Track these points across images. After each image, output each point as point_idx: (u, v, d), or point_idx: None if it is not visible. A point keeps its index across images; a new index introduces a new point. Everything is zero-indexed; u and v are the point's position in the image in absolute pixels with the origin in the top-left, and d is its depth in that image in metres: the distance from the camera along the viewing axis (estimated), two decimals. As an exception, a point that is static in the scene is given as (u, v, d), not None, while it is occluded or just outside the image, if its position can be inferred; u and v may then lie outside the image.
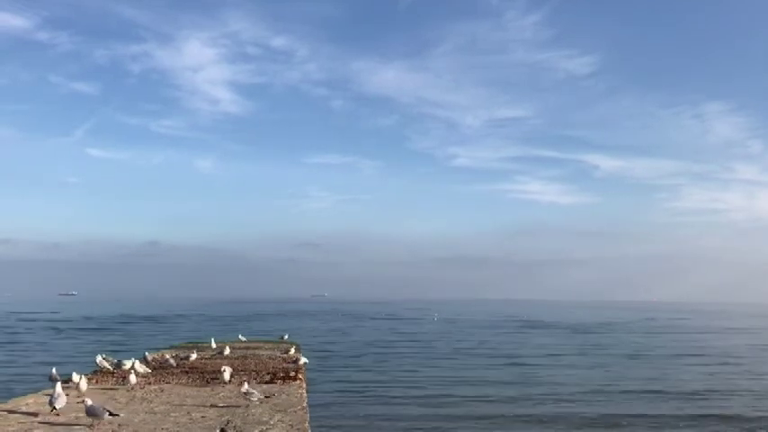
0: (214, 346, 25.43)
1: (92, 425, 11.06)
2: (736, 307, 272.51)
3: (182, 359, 20.78)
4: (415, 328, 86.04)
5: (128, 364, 19.26)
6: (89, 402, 11.35)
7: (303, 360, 20.47)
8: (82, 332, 71.96)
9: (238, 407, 13.02)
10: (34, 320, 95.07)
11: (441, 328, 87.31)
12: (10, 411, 12.39)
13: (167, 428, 11.02)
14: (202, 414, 12.32)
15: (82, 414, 11.41)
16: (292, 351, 24.67)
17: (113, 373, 17.98)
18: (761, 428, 23.27)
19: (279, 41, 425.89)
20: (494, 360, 45.95)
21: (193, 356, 21.10)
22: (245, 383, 13.86)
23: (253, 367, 19.85)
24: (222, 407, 13.08)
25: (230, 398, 14.17)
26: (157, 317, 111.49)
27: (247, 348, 26.82)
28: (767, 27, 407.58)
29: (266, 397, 13.64)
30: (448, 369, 39.52)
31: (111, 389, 15.42)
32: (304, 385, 16.81)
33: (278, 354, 24.08)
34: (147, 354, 21.42)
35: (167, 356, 20.78)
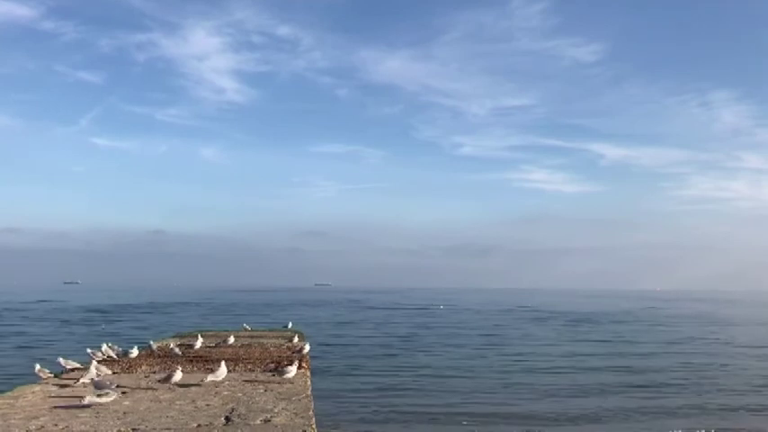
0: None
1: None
2: (743, 296, 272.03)
3: (186, 348, 20.88)
4: (421, 319, 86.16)
5: (134, 352, 19.42)
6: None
7: (307, 348, 20.54)
8: (86, 321, 72.29)
9: (243, 395, 13.09)
10: (39, 309, 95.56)
11: (449, 318, 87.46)
12: (17, 397, 12.49)
13: (172, 416, 11.08)
14: (207, 402, 12.39)
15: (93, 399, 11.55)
16: (296, 339, 24.74)
17: (118, 361, 18.14)
18: None
19: (284, 30, 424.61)
20: (495, 352, 46.09)
21: (197, 345, 21.20)
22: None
23: (257, 355, 19.94)
24: (227, 395, 13.15)
25: (235, 386, 14.25)
26: (162, 305, 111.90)
27: (251, 337, 26.93)
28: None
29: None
30: (460, 360, 39.51)
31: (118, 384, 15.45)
32: (308, 374, 16.88)
33: (282, 342, 24.17)
34: (152, 342, 21.54)
35: (172, 345, 20.88)
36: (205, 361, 18.64)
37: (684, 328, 71.12)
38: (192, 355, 19.77)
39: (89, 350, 18.45)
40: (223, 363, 15.18)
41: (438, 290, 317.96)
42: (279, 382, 14.90)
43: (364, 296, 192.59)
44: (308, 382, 15.39)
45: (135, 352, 19.43)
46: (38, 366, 15.79)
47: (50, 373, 16.15)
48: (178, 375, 14.25)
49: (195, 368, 17.24)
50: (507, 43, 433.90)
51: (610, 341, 53.25)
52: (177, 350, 20.13)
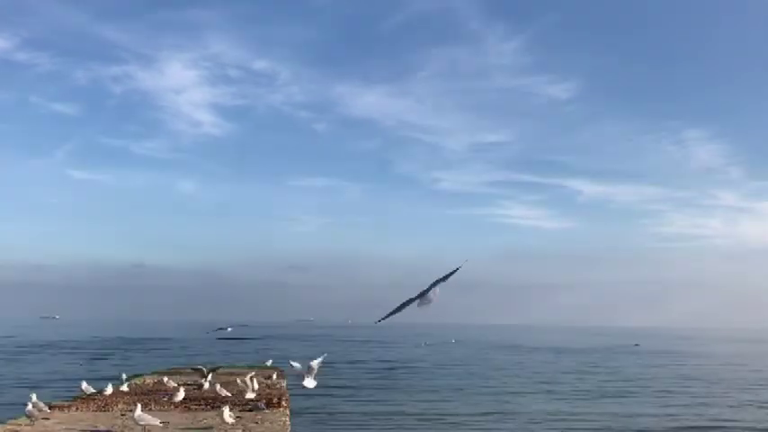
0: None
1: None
2: (720, 332, 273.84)
3: (164, 385, 20.64)
4: (408, 354, 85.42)
5: (109, 389, 19.21)
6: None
7: (284, 383, 20.38)
8: (63, 356, 70.92)
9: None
10: (14, 344, 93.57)
11: (436, 355, 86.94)
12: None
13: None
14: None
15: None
16: (275, 377, 24.56)
17: (94, 400, 17.95)
18: None
19: (260, 64, 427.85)
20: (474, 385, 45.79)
21: (175, 385, 20.92)
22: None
23: (236, 392, 19.76)
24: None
25: (221, 424, 14.12)
26: (142, 340, 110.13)
27: (230, 374, 26.67)
28: (744, 56, 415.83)
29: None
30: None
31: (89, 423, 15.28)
32: (287, 413, 16.76)
33: (261, 380, 23.97)
34: (127, 379, 21.31)
35: (148, 381, 20.68)
36: (185, 399, 18.45)
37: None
38: (170, 393, 19.58)
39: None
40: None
41: (419, 325, 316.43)
42: (257, 422, 14.77)
43: (347, 332, 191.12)
44: (288, 422, 15.28)
45: (110, 389, 19.25)
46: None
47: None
48: (225, 413, 14.34)
49: (172, 406, 17.08)
50: (482, 80, 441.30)
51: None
52: (152, 387, 19.93)
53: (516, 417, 31.00)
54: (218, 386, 20.14)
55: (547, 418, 30.92)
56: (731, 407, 36.36)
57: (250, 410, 16.48)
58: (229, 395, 19.07)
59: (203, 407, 17.01)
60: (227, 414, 14.28)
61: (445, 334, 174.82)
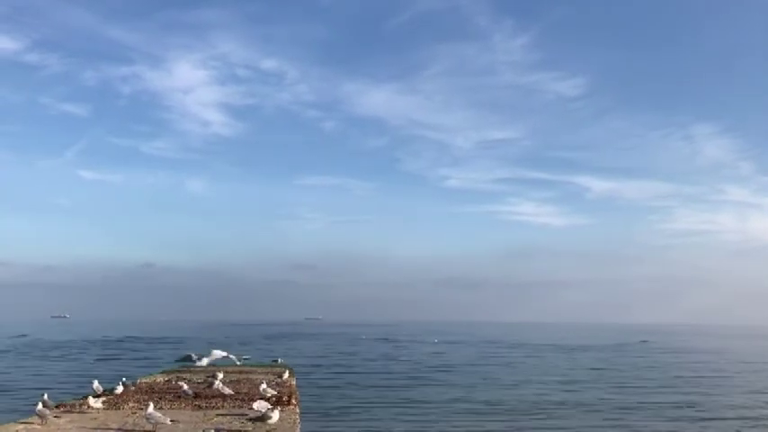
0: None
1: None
2: (729, 329, 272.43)
3: (173, 384, 20.62)
4: (418, 352, 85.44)
5: (119, 389, 19.23)
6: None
7: (293, 382, 20.33)
8: (74, 355, 71.34)
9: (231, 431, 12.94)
10: (26, 344, 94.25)
11: (444, 353, 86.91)
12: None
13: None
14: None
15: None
16: (286, 375, 24.53)
17: (105, 398, 17.98)
18: None
19: (268, 63, 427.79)
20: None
21: (185, 386, 20.89)
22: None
23: (246, 392, 19.75)
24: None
25: (223, 423, 14.08)
26: (152, 339, 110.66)
27: (240, 372, 26.70)
28: (753, 50, 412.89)
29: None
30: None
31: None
32: (297, 410, 16.72)
33: (271, 378, 23.95)
34: (138, 378, 21.34)
35: (159, 380, 20.69)
36: (194, 397, 18.44)
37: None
38: (180, 391, 19.57)
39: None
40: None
41: (430, 323, 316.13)
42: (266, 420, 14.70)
43: (356, 330, 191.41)
44: (298, 420, 15.22)
45: (120, 388, 19.28)
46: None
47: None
48: (275, 416, 14.10)
49: (184, 404, 17.07)
50: (490, 77, 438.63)
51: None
52: (163, 386, 19.94)
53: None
54: (223, 384, 20.12)
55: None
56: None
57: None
58: (232, 393, 18.95)
59: (214, 405, 17.00)
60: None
61: (454, 331, 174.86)
